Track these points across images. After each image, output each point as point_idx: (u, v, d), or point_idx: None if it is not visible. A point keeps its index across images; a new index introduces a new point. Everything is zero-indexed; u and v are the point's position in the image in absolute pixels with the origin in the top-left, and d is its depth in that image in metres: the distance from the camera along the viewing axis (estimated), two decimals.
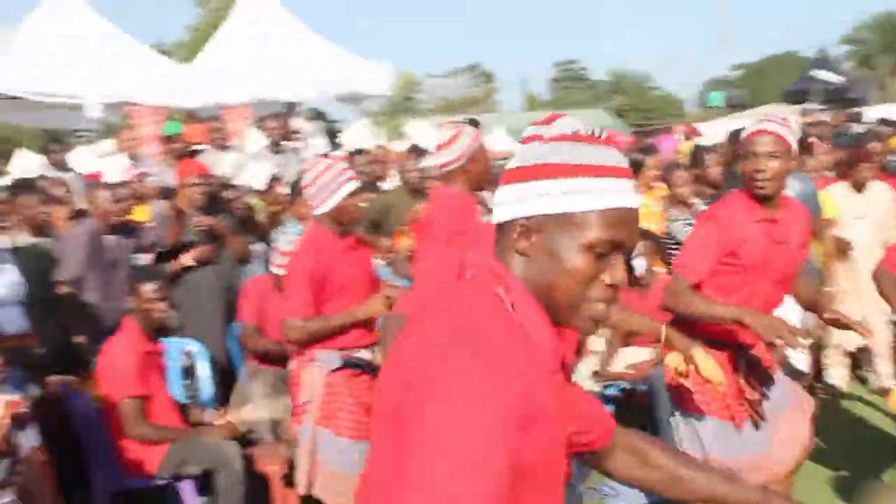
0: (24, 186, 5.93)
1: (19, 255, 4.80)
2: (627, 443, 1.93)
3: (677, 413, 3.57)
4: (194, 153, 8.26)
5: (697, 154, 6.19)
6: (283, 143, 8.49)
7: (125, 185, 5.87)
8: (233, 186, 6.43)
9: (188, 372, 5.13)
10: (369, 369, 3.99)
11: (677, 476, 1.90)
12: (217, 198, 5.94)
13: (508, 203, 1.52)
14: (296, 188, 5.72)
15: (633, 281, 5.34)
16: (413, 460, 1.28)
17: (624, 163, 1.53)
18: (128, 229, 5.54)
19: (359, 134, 15.81)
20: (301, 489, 3.99)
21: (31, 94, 11.73)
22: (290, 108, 13.06)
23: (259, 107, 13.88)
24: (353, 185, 4.03)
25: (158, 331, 4.73)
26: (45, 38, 12.43)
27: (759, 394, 3.48)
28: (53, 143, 9.04)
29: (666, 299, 3.45)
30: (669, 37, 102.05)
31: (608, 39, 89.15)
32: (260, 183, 6.77)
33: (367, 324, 4.03)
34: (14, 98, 11.87)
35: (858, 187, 6.21)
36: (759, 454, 3.43)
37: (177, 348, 5.11)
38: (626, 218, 1.48)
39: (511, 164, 1.55)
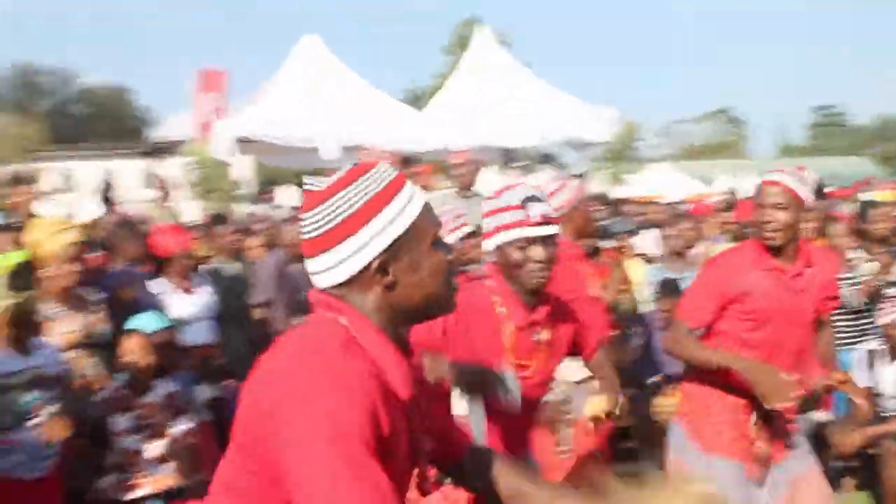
0: (218, 219, 6.89)
1: (216, 278, 5.64)
2: (486, 459, 2.01)
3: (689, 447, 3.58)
4: None
5: (863, 209, 6.11)
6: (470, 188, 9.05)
7: None
8: None
9: None
10: None
11: (522, 491, 1.96)
12: None
13: (349, 257, 1.62)
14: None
15: None
16: (294, 475, 1.43)
17: (391, 173, 1.69)
18: None
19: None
20: None
21: (276, 138, 13.09)
22: (508, 155, 13.67)
23: (483, 151, 14.71)
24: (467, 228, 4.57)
25: None
26: (294, 88, 13.91)
27: (771, 446, 3.45)
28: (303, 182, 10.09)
29: (666, 343, 3.58)
30: None
31: (873, 84, 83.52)
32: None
33: None
34: (264, 143, 13.33)
35: None
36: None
37: None
38: (428, 209, 1.69)
39: (315, 228, 1.64)
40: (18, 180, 6.75)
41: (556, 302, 2.84)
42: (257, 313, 5.94)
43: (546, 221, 2.67)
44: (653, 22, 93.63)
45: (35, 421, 3.44)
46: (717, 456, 3.44)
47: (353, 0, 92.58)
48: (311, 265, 1.67)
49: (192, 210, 12.36)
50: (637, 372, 5.80)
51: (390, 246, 1.61)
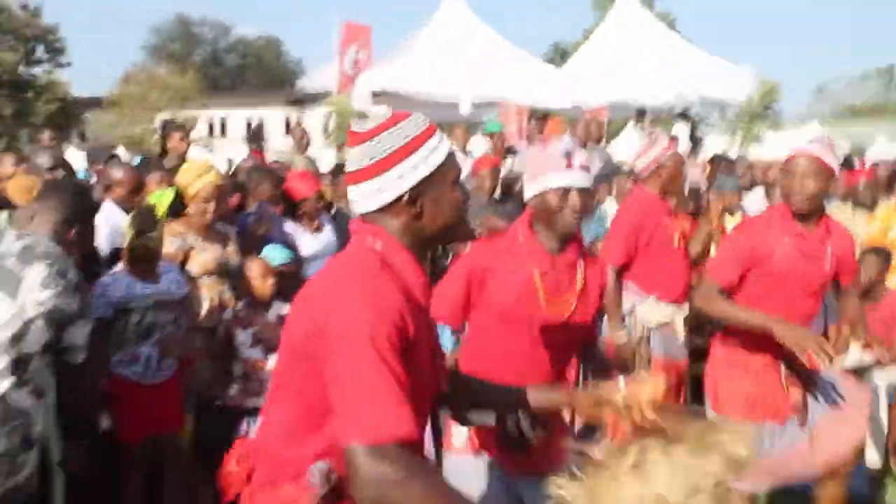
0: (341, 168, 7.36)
1: (339, 221, 6.13)
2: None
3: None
4: (511, 150, 9.42)
5: None
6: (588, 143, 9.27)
7: None
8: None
9: None
10: None
11: (478, 390, 2.39)
12: (511, 187, 7.00)
13: (386, 188, 1.91)
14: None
15: (864, 294, 5.57)
16: (329, 375, 1.76)
17: (424, 124, 1.95)
18: None
19: (716, 140, 16.28)
20: None
21: (415, 93, 13.62)
22: (642, 114, 13.76)
23: (618, 108, 14.88)
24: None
25: None
26: (434, 46, 14.39)
27: (802, 395, 3.64)
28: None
29: (697, 300, 3.72)
30: None
31: None
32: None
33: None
34: (401, 96, 13.89)
35: None
36: (792, 450, 3.62)
37: None
38: (452, 156, 1.98)
39: (359, 162, 1.92)
40: (172, 127, 7.51)
41: (582, 249, 3.00)
42: None
43: (585, 171, 2.88)
44: None
45: (155, 338, 3.96)
46: (726, 415, 3.63)
47: None
48: (352, 193, 1.96)
49: (328, 158, 13.06)
50: None
51: (420, 182, 1.91)
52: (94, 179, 5.97)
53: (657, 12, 40.65)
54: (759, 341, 3.52)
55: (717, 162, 8.46)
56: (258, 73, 51.37)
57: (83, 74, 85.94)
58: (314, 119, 17.33)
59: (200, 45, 52.03)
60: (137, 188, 4.84)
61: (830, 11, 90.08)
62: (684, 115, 15.78)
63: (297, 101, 34.29)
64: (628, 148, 12.08)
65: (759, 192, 7.02)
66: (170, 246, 4.33)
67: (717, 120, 18.24)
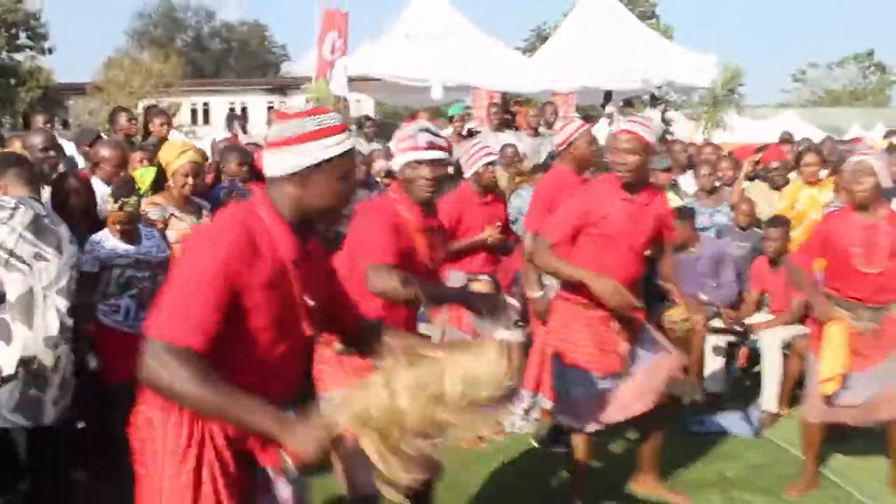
0: None
1: None
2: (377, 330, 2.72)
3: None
4: (471, 133, 10.14)
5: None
6: (541, 129, 9.94)
7: None
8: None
9: None
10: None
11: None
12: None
13: (287, 160, 2.31)
14: (543, 166, 7.33)
15: (771, 261, 6.35)
16: (171, 285, 2.23)
17: (336, 122, 2.34)
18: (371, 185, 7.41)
19: (684, 124, 17.04)
20: None
21: (389, 77, 14.27)
22: (608, 98, 14.47)
23: (585, 94, 15.60)
24: (488, 158, 5.67)
25: None
26: (409, 32, 15.04)
27: (629, 347, 4.28)
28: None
29: (529, 256, 4.32)
30: None
31: None
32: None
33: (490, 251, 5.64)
34: (377, 80, 14.55)
35: None
36: (609, 393, 4.23)
37: None
38: (349, 155, 2.37)
39: (274, 136, 2.34)
40: (154, 113, 8.24)
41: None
42: None
43: (432, 147, 3.45)
44: None
45: (134, 292, 4.64)
46: (573, 366, 4.24)
47: None
48: (264, 158, 2.39)
49: None
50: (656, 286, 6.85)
51: (314, 165, 2.30)
52: (81, 161, 6.57)
53: None
54: (594, 296, 4.11)
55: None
56: (242, 58, 51.79)
57: (66, 60, 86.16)
58: (296, 104, 17.87)
59: (184, 31, 52.37)
60: (122, 165, 5.51)
61: None
62: (655, 100, 16.53)
63: (280, 88, 34.94)
64: (603, 130, 12.93)
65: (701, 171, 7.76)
66: (151, 215, 5.06)
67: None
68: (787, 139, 11.36)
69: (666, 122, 16.39)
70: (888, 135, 10.07)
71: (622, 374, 4.28)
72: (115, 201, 4.60)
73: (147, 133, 7.95)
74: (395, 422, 2.08)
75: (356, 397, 2.16)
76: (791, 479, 4.96)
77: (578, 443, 4.38)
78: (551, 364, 4.52)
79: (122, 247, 4.66)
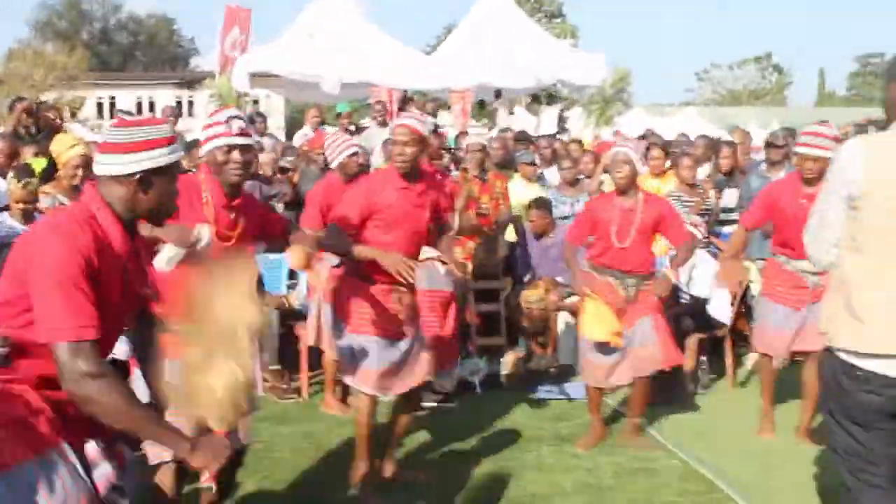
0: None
1: None
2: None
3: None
4: (359, 129, 10.78)
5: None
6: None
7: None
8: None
9: None
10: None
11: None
12: None
13: (122, 165, 2.52)
14: None
15: None
16: (35, 291, 2.35)
17: (164, 135, 2.60)
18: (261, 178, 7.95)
19: (576, 121, 17.97)
20: (310, 341, 6.24)
21: (288, 73, 14.75)
22: (499, 94, 15.22)
23: (481, 91, 16.32)
24: (351, 150, 6.21)
25: None
26: (308, 30, 15.55)
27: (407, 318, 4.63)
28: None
29: (324, 240, 4.55)
30: None
31: None
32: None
33: None
34: (276, 77, 15.03)
35: None
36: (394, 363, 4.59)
37: None
38: (173, 166, 2.64)
39: (108, 139, 2.58)
40: (44, 108, 8.69)
41: (249, 198, 3.90)
42: None
43: (242, 134, 3.71)
44: None
45: None
46: (360, 334, 4.55)
47: None
48: (100, 158, 2.59)
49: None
50: (514, 269, 7.60)
51: (149, 171, 2.55)
52: None
53: None
54: (378, 271, 4.46)
55: (521, 138, 10.03)
56: (150, 51, 51.37)
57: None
58: (204, 99, 18.25)
59: (90, 23, 51.70)
60: (13, 155, 5.99)
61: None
62: (552, 98, 17.35)
63: (188, 82, 34.97)
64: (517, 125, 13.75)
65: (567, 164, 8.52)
66: (42, 203, 5.55)
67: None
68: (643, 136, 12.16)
69: (562, 119, 17.39)
70: (783, 132, 10.90)
71: (404, 341, 4.66)
72: (19, 181, 5.07)
73: (38, 127, 8.38)
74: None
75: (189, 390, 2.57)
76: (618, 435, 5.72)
77: (362, 405, 4.71)
78: (338, 332, 4.77)
79: (20, 227, 5.08)
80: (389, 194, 4.52)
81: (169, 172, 2.62)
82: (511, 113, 16.72)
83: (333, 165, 6.34)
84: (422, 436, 5.72)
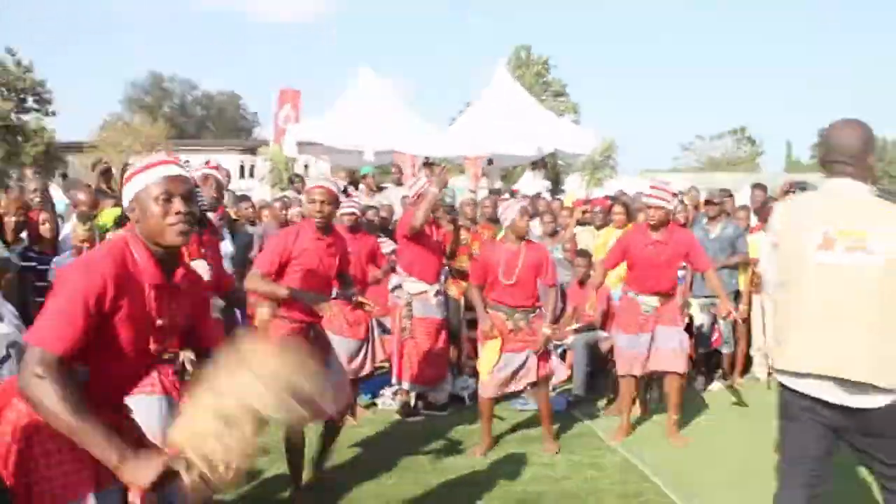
0: (243, 198, 8.76)
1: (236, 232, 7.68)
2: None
3: None
4: (380, 188, 11.22)
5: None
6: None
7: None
8: (376, 208, 9.00)
9: None
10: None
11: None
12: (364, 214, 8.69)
13: (127, 201, 2.38)
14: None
15: (580, 282, 7.43)
16: (48, 302, 2.20)
17: (157, 160, 2.42)
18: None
19: (573, 183, 18.35)
20: None
21: (331, 143, 15.32)
22: (490, 162, 15.67)
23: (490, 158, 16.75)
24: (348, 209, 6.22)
25: None
26: (347, 107, 16.13)
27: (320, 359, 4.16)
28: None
29: (247, 283, 4.47)
30: None
31: (879, 106, 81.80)
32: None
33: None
34: (320, 145, 15.59)
35: None
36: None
37: None
38: (166, 180, 2.34)
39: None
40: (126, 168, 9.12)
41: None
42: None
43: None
44: (674, 52, 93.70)
45: None
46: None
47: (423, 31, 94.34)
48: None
49: (259, 193, 14.65)
50: None
51: (137, 194, 2.35)
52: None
53: (552, 78, 43.37)
54: (293, 309, 4.47)
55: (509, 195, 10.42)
56: (219, 123, 52.41)
57: (68, 122, 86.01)
58: (262, 163, 18.91)
59: (170, 98, 52.90)
60: (94, 206, 6.40)
61: (697, 77, 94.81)
62: (544, 165, 17.82)
63: (250, 149, 35.70)
64: (527, 186, 14.22)
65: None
66: None
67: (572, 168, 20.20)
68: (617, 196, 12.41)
69: (558, 181, 17.96)
70: (755, 186, 11.13)
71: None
72: (83, 223, 5.35)
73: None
74: (211, 438, 2.07)
75: (185, 419, 2.15)
76: (577, 439, 5.99)
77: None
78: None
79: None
80: (305, 242, 4.51)
81: (157, 187, 2.35)
82: (504, 177, 17.06)
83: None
84: (419, 438, 6.00)
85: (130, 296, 2.27)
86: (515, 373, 5.62)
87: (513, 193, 12.16)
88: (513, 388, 5.75)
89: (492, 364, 5.58)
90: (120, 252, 2.30)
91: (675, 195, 6.01)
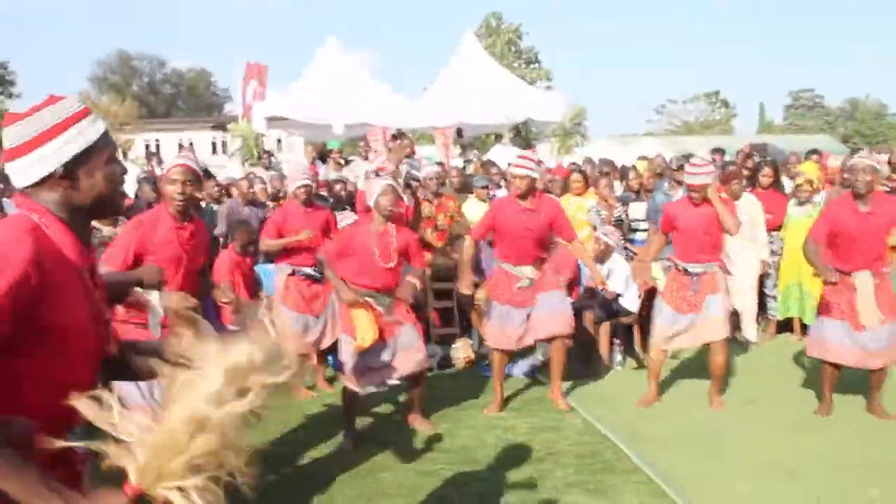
0: (207, 174, 8.79)
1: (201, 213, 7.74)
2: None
3: None
4: (347, 162, 11.26)
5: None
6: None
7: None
8: (342, 181, 9.07)
9: None
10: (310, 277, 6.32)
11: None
12: (331, 188, 8.76)
13: (35, 166, 1.82)
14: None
15: None
16: None
17: (80, 108, 1.88)
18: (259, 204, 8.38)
19: (543, 151, 18.45)
20: None
21: (300, 116, 15.28)
22: (459, 133, 15.71)
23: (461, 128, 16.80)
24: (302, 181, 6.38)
25: None
26: (315, 80, 16.06)
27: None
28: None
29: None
30: None
31: (849, 68, 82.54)
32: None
33: (310, 251, 6.24)
34: (289, 120, 15.56)
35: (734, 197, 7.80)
36: None
37: None
38: (106, 136, 1.90)
39: (14, 142, 1.83)
40: None
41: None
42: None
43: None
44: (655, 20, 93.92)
45: None
46: None
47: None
48: (10, 169, 1.86)
49: (225, 172, 14.68)
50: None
51: (73, 158, 1.84)
52: None
53: (524, 46, 43.30)
54: None
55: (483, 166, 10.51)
56: (190, 100, 52.00)
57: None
58: (235, 140, 18.85)
59: (139, 77, 52.33)
60: None
61: (672, 42, 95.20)
62: (518, 133, 17.88)
63: (221, 125, 35.55)
64: (501, 157, 14.29)
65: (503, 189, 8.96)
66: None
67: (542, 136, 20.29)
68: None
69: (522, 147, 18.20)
70: (714, 151, 11.19)
71: None
72: None
73: None
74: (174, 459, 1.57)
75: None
76: (538, 402, 6.15)
77: None
78: None
79: None
80: (163, 231, 4.06)
81: (97, 151, 1.89)
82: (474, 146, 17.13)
83: (290, 192, 6.70)
84: (387, 405, 6.14)
85: (63, 281, 1.78)
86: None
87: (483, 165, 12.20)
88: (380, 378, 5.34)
89: (367, 340, 5.10)
90: (29, 230, 1.77)
91: (539, 163, 5.93)
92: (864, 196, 5.33)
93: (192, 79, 53.89)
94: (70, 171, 1.85)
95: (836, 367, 5.59)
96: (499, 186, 9.37)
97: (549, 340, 6.03)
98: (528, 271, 5.88)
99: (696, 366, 7.06)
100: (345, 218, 7.24)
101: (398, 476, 4.71)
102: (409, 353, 5.27)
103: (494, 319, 5.95)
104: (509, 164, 6.10)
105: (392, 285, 5.28)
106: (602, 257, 7.11)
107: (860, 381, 5.80)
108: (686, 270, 5.88)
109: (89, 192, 1.89)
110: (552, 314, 5.87)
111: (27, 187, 1.86)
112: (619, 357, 7.22)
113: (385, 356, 5.20)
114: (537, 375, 6.95)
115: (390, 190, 5.23)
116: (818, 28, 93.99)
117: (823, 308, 5.61)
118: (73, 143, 1.85)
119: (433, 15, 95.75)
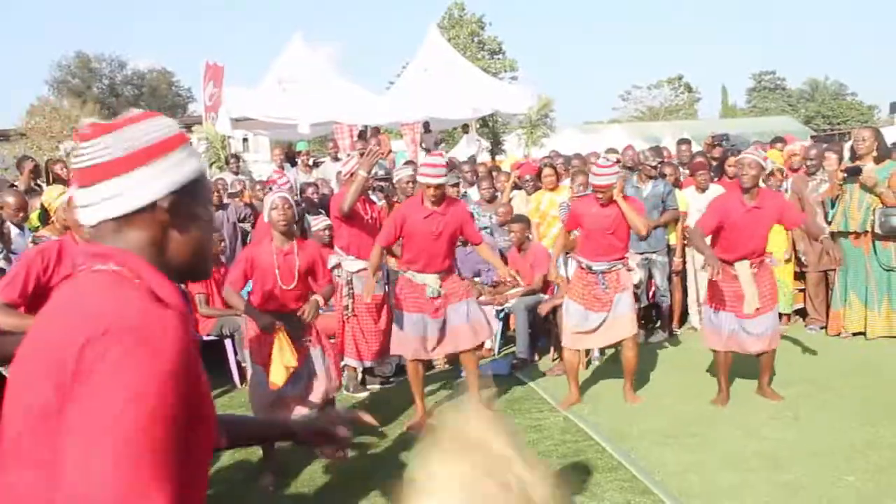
0: None
1: None
2: None
3: None
4: (317, 164, 11.16)
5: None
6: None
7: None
8: (315, 185, 9.01)
9: None
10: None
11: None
12: (302, 191, 8.66)
13: (132, 188, 1.30)
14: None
15: (518, 247, 7.50)
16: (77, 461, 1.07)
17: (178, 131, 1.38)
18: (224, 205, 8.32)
19: (511, 143, 18.45)
20: None
21: (265, 116, 15.11)
22: (426, 127, 15.66)
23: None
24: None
25: None
26: (280, 80, 15.89)
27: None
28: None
29: None
30: (873, 45, 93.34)
31: (809, 50, 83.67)
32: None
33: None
34: (254, 120, 15.39)
35: (702, 188, 7.88)
36: None
37: None
38: (206, 175, 1.42)
39: (88, 161, 1.30)
40: (54, 161, 8.95)
41: None
42: None
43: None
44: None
45: None
46: None
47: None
48: (84, 196, 1.32)
49: None
50: None
51: (177, 190, 1.34)
52: None
53: (487, 37, 43.22)
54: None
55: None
56: (152, 101, 51.23)
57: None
58: (199, 142, 18.57)
59: (99, 79, 51.51)
60: (22, 208, 6.26)
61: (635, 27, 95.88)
62: (486, 126, 17.83)
63: (186, 126, 35.13)
64: (461, 152, 14.22)
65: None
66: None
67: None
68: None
69: (498, 142, 18.17)
70: (681, 142, 11.15)
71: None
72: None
73: (48, 181, 8.64)
74: None
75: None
76: (519, 402, 6.12)
77: None
78: None
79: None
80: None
81: (204, 187, 1.43)
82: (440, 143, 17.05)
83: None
84: (370, 408, 6.07)
85: (197, 370, 1.27)
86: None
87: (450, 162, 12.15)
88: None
89: (286, 366, 4.78)
90: (146, 301, 1.25)
91: (447, 166, 5.76)
92: (750, 190, 5.49)
93: (154, 79, 53.07)
94: (174, 205, 1.34)
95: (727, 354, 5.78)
96: (471, 184, 9.33)
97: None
98: (432, 281, 5.57)
99: (673, 361, 7.09)
100: (318, 223, 7.17)
101: (381, 478, 4.66)
102: (316, 383, 4.96)
103: (406, 327, 5.58)
104: (419, 169, 5.72)
105: (297, 307, 4.88)
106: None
107: (837, 370, 5.84)
108: (590, 268, 5.88)
109: (189, 241, 1.38)
110: (462, 326, 5.63)
111: (102, 225, 1.33)
112: (596, 353, 7.22)
113: (297, 387, 4.91)
114: (517, 374, 6.94)
115: (281, 203, 4.86)
116: (777, 5, 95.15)
117: (712, 299, 5.77)
118: (182, 167, 1.36)
119: (396, 4, 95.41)
